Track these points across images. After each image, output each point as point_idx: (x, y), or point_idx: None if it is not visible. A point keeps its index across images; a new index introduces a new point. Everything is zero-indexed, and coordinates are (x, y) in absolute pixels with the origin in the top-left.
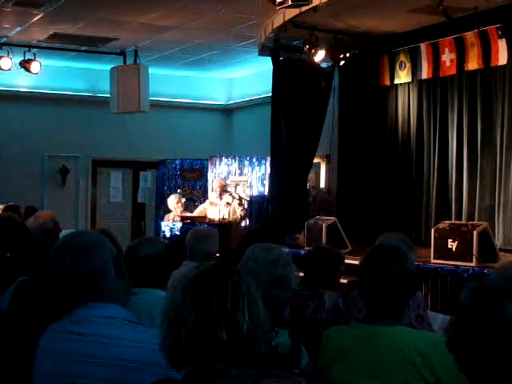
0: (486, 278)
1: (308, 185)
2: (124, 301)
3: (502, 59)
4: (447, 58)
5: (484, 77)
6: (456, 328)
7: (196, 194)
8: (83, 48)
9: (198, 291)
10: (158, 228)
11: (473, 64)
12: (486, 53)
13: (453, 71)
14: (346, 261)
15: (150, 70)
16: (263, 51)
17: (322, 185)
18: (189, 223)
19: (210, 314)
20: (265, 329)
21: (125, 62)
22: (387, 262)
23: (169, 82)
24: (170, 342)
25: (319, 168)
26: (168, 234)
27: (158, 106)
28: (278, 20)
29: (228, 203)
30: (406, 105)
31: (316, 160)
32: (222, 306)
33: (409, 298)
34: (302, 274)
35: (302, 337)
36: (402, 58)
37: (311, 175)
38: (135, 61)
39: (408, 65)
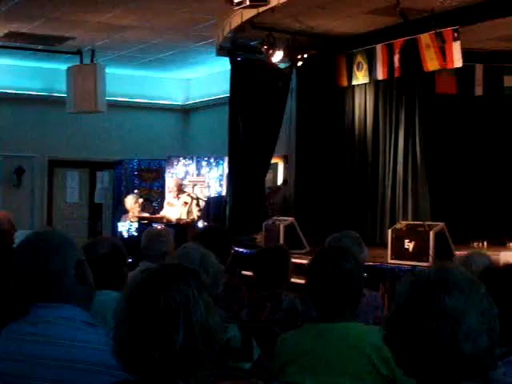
0: (422, 271)
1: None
2: (85, 306)
3: (458, 62)
4: (396, 59)
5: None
6: (393, 322)
7: (153, 194)
8: (39, 47)
9: (132, 305)
10: (114, 228)
11: (432, 65)
12: (443, 54)
13: (398, 73)
14: (304, 261)
15: (107, 70)
16: (221, 51)
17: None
18: (146, 223)
19: (141, 332)
20: (213, 332)
21: (81, 61)
22: (333, 262)
23: (126, 81)
24: (118, 348)
25: (277, 168)
26: (125, 235)
27: (115, 105)
28: (236, 20)
29: (186, 203)
30: (362, 105)
31: (274, 160)
32: (153, 325)
33: (357, 296)
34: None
35: (259, 337)
36: (360, 58)
37: (269, 175)
38: (92, 60)
39: (365, 66)
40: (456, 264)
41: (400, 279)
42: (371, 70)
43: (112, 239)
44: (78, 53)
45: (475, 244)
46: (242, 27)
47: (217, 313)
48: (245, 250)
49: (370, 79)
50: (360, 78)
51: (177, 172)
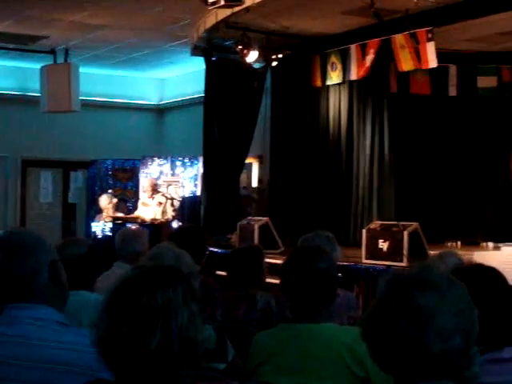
0: (402, 270)
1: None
2: (59, 307)
3: (432, 62)
4: (369, 59)
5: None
6: (369, 319)
7: (128, 194)
8: (12, 46)
9: (114, 301)
10: (88, 228)
11: (407, 65)
12: (417, 55)
13: (365, 73)
14: (279, 261)
15: (81, 69)
16: (196, 51)
17: (255, 185)
18: (120, 224)
19: (118, 328)
20: (194, 342)
21: (55, 60)
22: (308, 262)
23: (100, 81)
24: (97, 342)
25: (251, 168)
26: (99, 235)
27: (89, 105)
28: (211, 20)
29: (160, 203)
30: (337, 106)
31: (248, 160)
32: (130, 323)
33: (332, 296)
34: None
35: (234, 337)
36: (334, 59)
37: (243, 176)
38: (66, 59)
39: (339, 66)
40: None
41: (378, 278)
42: (345, 71)
43: (86, 240)
44: (52, 52)
45: (449, 244)
46: (216, 27)
47: (202, 324)
48: (219, 250)
49: (343, 79)
50: (334, 78)
51: (151, 172)
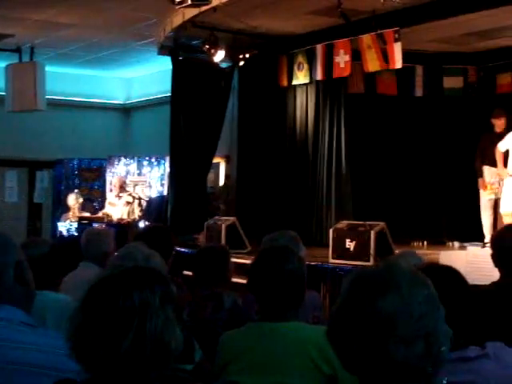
0: (364, 270)
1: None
2: (25, 308)
3: (398, 63)
4: (341, 59)
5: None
6: (334, 320)
7: (94, 194)
8: None
9: (90, 298)
10: (54, 228)
11: (373, 66)
12: (384, 55)
13: (346, 73)
14: (246, 261)
15: (47, 68)
16: (162, 51)
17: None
18: (86, 223)
19: (92, 326)
20: (168, 347)
21: (20, 59)
22: (277, 262)
23: (66, 80)
24: (70, 339)
25: (218, 168)
26: (65, 234)
27: (55, 104)
28: (178, 19)
29: (128, 202)
30: (304, 106)
31: (216, 160)
32: (104, 322)
33: (300, 297)
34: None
35: (201, 338)
36: (300, 59)
37: (210, 175)
38: (31, 58)
39: (306, 66)
40: (401, 262)
41: (343, 278)
42: (311, 70)
43: (48, 240)
44: (17, 50)
45: (415, 243)
46: (183, 26)
47: (177, 330)
48: (186, 250)
49: (310, 79)
50: (300, 78)
51: (118, 171)
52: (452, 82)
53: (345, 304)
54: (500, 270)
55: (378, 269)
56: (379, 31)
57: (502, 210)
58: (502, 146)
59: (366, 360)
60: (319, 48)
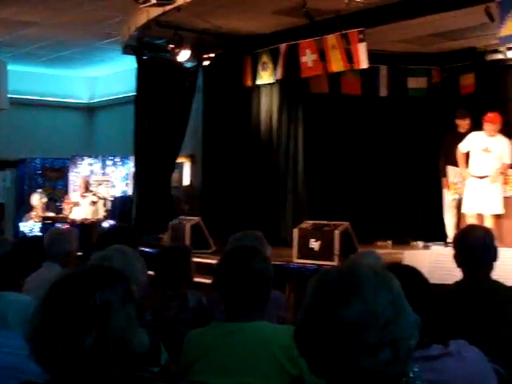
0: (327, 275)
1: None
2: None
3: (363, 63)
4: (309, 59)
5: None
6: (300, 325)
7: (57, 193)
8: None
9: (51, 296)
10: (17, 228)
11: (337, 66)
12: (348, 55)
13: (314, 72)
14: (210, 261)
15: (9, 67)
16: (127, 50)
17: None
18: (49, 223)
19: (53, 324)
20: (129, 346)
21: None
22: (243, 261)
23: (29, 79)
24: (30, 338)
25: (183, 168)
26: (28, 234)
27: (17, 103)
28: (142, 18)
29: (93, 202)
30: (268, 105)
31: (180, 160)
32: (65, 320)
33: (266, 296)
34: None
35: (165, 338)
36: (265, 58)
37: (175, 175)
38: None
39: (270, 66)
40: (364, 264)
41: (308, 280)
42: (276, 70)
43: (10, 240)
44: None
45: (380, 243)
46: (148, 25)
47: (138, 328)
48: (151, 250)
49: (274, 79)
50: (265, 77)
51: (81, 171)
52: (416, 83)
53: (309, 311)
54: (462, 270)
55: (341, 274)
56: (344, 31)
57: (464, 210)
58: (462, 147)
59: (332, 366)
60: (282, 47)
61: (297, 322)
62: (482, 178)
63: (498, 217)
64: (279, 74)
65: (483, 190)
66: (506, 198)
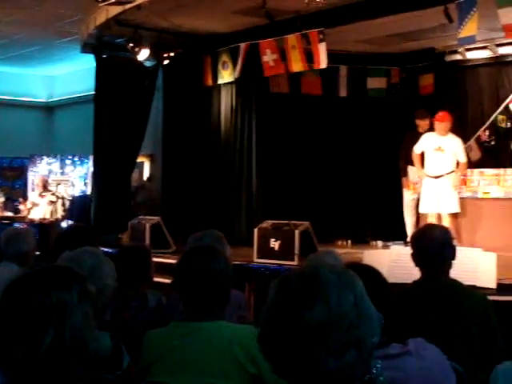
0: (289, 277)
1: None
2: None
3: (323, 63)
4: (270, 58)
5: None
6: (264, 328)
7: (15, 193)
8: None
9: (7, 297)
10: None
11: (297, 66)
12: (309, 56)
13: (276, 71)
14: (170, 260)
15: None
16: (86, 48)
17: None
18: (7, 223)
19: (10, 326)
20: (86, 345)
21: None
22: (203, 261)
23: None
24: None
25: (142, 167)
26: None
27: None
28: (101, 17)
29: (52, 201)
30: (228, 105)
31: (140, 159)
32: (22, 321)
33: (226, 297)
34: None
35: (125, 338)
36: (225, 58)
37: (134, 174)
38: None
39: (230, 65)
40: (326, 265)
41: (270, 281)
42: (236, 69)
43: None
44: None
45: (340, 242)
46: (107, 24)
47: (95, 327)
48: (110, 250)
49: (234, 78)
50: (225, 76)
51: (40, 170)
52: (375, 83)
53: (273, 314)
54: (420, 269)
55: (303, 277)
56: (304, 31)
57: (421, 210)
58: (417, 149)
59: (297, 368)
60: (242, 47)
61: (260, 324)
62: (437, 177)
63: (455, 216)
64: (238, 72)
65: (439, 190)
66: (463, 199)
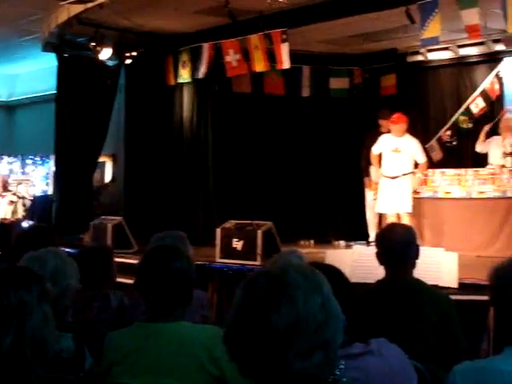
0: (256, 279)
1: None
2: None
3: (286, 63)
4: (233, 58)
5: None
6: (230, 330)
7: None
8: None
9: None
10: None
11: (259, 66)
12: (271, 56)
13: (239, 71)
14: (132, 261)
15: None
16: (47, 47)
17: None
18: None
19: None
20: (46, 345)
21: None
22: (165, 261)
23: None
24: None
25: (104, 167)
26: None
27: None
28: (63, 16)
29: (12, 201)
30: (190, 105)
31: (102, 159)
32: None
33: (188, 296)
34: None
35: (87, 339)
36: (185, 57)
37: (96, 174)
38: None
39: (190, 64)
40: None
41: (239, 283)
42: (195, 69)
43: None
44: None
45: (302, 242)
46: (69, 23)
47: (54, 327)
48: (71, 250)
49: (192, 78)
50: (184, 76)
51: (0, 170)
52: (338, 83)
53: (240, 316)
54: (385, 268)
55: (270, 278)
56: (266, 31)
57: (378, 210)
58: (375, 150)
59: (263, 369)
60: (205, 47)
61: (227, 325)
62: (393, 178)
63: (415, 216)
64: (202, 73)
65: (396, 190)
66: (424, 199)
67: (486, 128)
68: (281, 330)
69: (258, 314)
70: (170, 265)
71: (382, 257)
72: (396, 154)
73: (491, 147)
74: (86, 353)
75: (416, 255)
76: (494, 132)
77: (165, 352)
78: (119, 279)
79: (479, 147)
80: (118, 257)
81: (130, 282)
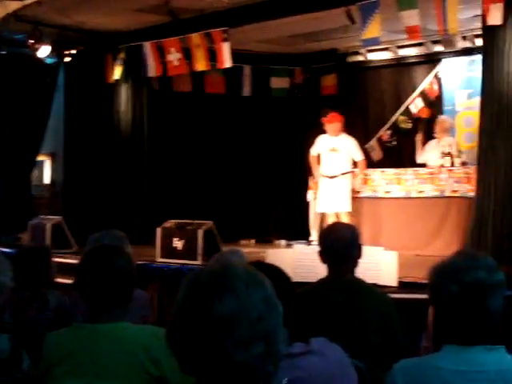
0: (200, 271)
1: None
2: None
3: (227, 62)
4: (174, 57)
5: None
6: (172, 326)
7: None
8: None
9: None
10: None
11: (200, 65)
12: (212, 55)
13: (181, 71)
14: (71, 260)
15: None
16: None
17: (47, 182)
18: None
19: None
20: None
21: None
22: (105, 260)
23: None
24: None
25: (43, 166)
26: None
27: None
28: (0, 12)
29: None
30: (129, 103)
31: (40, 158)
32: None
33: (128, 296)
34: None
35: (25, 339)
36: (122, 55)
37: (35, 173)
38: None
39: (127, 63)
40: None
41: (174, 277)
42: (139, 67)
43: None
44: None
45: (243, 242)
46: (6, 19)
47: None
48: (9, 250)
49: (135, 76)
50: (119, 74)
51: None
52: (279, 83)
53: (182, 309)
54: (327, 267)
55: (214, 273)
56: (207, 31)
57: (317, 210)
58: (313, 151)
59: (205, 362)
60: (148, 45)
61: (169, 319)
62: (332, 177)
63: (354, 215)
64: (150, 71)
65: (335, 189)
66: (364, 198)
67: (419, 137)
68: (222, 318)
69: (201, 305)
70: (111, 263)
71: (324, 255)
72: (333, 154)
73: (427, 149)
74: (23, 354)
75: (359, 255)
76: (429, 137)
77: (104, 353)
78: (58, 279)
79: (420, 158)
80: (57, 257)
81: (70, 282)
